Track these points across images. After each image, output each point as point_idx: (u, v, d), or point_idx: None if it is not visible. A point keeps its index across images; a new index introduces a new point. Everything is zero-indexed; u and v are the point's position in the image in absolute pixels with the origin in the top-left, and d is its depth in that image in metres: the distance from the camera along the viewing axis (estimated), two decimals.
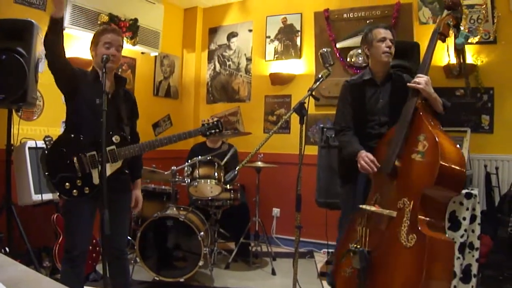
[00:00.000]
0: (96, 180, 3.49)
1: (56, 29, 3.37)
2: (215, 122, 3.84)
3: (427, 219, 3.26)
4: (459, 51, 3.91)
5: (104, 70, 3.40)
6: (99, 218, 3.32)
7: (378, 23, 4.47)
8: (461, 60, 4.14)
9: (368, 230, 3.41)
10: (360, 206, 3.51)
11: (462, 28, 3.81)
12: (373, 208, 3.39)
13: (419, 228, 3.16)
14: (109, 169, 3.50)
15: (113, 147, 3.54)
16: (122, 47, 3.75)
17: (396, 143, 3.47)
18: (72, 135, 3.57)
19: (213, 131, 3.81)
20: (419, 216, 3.21)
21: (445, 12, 3.82)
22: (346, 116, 3.93)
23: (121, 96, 3.75)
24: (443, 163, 3.21)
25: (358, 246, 3.38)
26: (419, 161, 3.34)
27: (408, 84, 3.60)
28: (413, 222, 3.21)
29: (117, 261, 3.81)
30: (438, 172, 3.19)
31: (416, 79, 3.57)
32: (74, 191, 3.47)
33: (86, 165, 3.50)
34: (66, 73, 3.53)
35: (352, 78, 4.24)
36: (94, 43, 3.71)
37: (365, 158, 3.61)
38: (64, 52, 3.50)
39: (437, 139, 3.29)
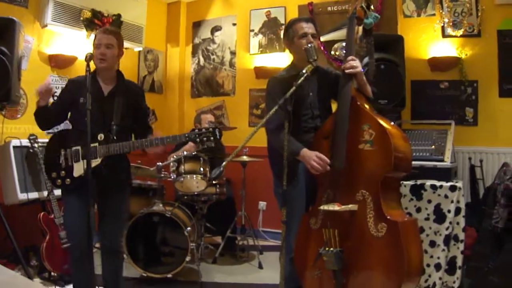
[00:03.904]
0: (76, 173, 3.68)
1: (44, 113, 3.79)
2: (210, 129, 3.54)
3: (388, 203, 3.29)
4: (368, 31, 3.85)
5: (87, 69, 3.45)
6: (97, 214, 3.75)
7: (300, 17, 4.40)
8: (369, 41, 4.06)
9: (337, 230, 3.36)
10: (321, 207, 3.43)
11: (372, 8, 3.77)
12: (336, 208, 3.32)
13: (386, 216, 3.18)
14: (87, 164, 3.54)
15: (95, 144, 3.61)
16: (115, 44, 3.77)
17: (341, 136, 3.41)
18: (64, 131, 3.96)
19: (205, 138, 3.53)
20: (382, 204, 3.22)
21: None
22: (279, 113, 3.35)
23: (120, 92, 3.79)
24: (396, 147, 3.24)
25: (331, 249, 3.33)
26: (369, 150, 3.32)
27: (345, 69, 3.52)
28: (378, 211, 3.22)
29: (111, 258, 3.92)
30: (393, 157, 3.21)
31: (352, 63, 3.50)
32: (58, 180, 3.74)
33: (70, 158, 3.71)
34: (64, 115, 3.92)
35: (280, 73, 4.01)
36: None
37: (315, 158, 3.45)
38: (54, 117, 3.90)
39: (384, 125, 3.30)
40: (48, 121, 3.89)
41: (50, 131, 4.29)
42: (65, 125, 4.12)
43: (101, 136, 3.63)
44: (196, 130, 3.58)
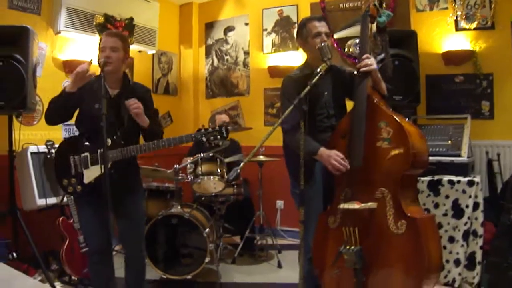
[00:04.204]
0: (86, 179, 3.66)
1: (67, 101, 3.64)
2: (217, 128, 3.59)
3: (406, 199, 3.29)
4: (382, 29, 3.83)
5: (101, 74, 3.44)
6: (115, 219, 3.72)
7: (313, 16, 4.35)
8: (384, 38, 4.03)
9: (357, 228, 3.35)
10: (341, 206, 3.42)
11: (384, 6, 3.75)
12: (356, 206, 3.32)
13: (406, 213, 3.18)
14: (97, 171, 3.59)
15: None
16: (120, 47, 3.73)
17: (359, 135, 3.40)
18: (73, 137, 3.91)
19: (212, 137, 3.58)
20: (401, 201, 3.22)
21: None
22: (294, 113, 3.35)
23: (126, 95, 3.75)
24: (414, 144, 3.24)
25: (352, 247, 3.33)
26: (387, 147, 3.32)
27: (360, 67, 3.52)
28: (398, 208, 3.22)
29: (133, 263, 3.94)
30: (411, 154, 3.21)
31: (366, 61, 3.50)
32: (70, 188, 3.71)
33: (79, 165, 3.68)
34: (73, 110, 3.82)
35: (294, 72, 3.98)
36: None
37: (336, 157, 3.43)
38: (69, 109, 3.78)
39: (401, 122, 3.30)
40: (63, 112, 3.75)
41: (66, 135, 4.28)
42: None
43: (108, 142, 3.58)
44: (202, 130, 3.60)
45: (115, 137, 3.66)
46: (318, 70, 3.39)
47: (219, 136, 3.56)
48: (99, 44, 3.76)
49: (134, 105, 3.57)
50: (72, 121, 3.90)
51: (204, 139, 3.56)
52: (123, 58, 3.77)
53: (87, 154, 3.66)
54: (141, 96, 3.86)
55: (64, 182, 3.72)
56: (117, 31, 4.33)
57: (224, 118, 6.64)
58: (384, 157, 3.32)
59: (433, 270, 3.17)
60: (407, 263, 3.14)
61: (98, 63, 3.55)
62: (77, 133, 3.91)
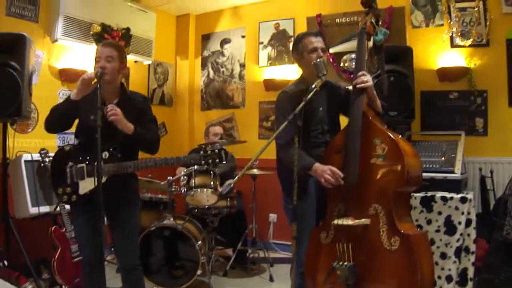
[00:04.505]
0: (82, 190, 3.64)
1: (69, 109, 3.66)
2: (216, 151, 3.54)
3: (400, 216, 3.29)
4: (378, 47, 3.85)
5: (97, 85, 3.44)
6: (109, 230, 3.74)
7: (309, 31, 4.35)
8: (380, 56, 4.05)
9: (350, 244, 3.35)
10: (334, 222, 3.40)
11: (380, 23, 3.78)
12: (350, 222, 3.31)
13: (399, 229, 3.18)
14: (92, 183, 3.54)
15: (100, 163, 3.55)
16: (116, 57, 3.69)
17: (354, 151, 3.40)
18: (72, 146, 3.83)
19: (210, 160, 3.55)
20: (394, 217, 3.22)
21: (366, 12, 3.75)
22: (289, 128, 3.33)
23: (123, 105, 3.70)
24: (409, 162, 3.24)
25: (345, 263, 3.32)
26: (382, 164, 3.33)
27: (357, 84, 3.52)
28: (391, 225, 3.22)
29: (129, 275, 3.88)
30: (406, 171, 3.21)
31: (362, 78, 3.51)
32: (65, 196, 3.70)
33: (75, 176, 3.66)
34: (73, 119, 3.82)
35: (289, 87, 3.96)
36: None
37: (329, 172, 3.43)
38: (70, 118, 3.79)
39: (395, 139, 3.31)
40: (64, 120, 3.76)
41: (60, 144, 4.27)
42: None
43: (105, 155, 3.59)
44: (202, 152, 3.55)
45: (112, 149, 3.63)
46: (313, 86, 3.39)
47: (217, 160, 3.53)
48: (95, 54, 3.74)
49: (110, 111, 3.50)
50: (69, 130, 3.93)
51: (202, 162, 3.53)
52: (119, 68, 3.74)
53: (83, 165, 3.64)
54: (139, 105, 3.85)
55: (59, 190, 3.70)
56: (112, 41, 4.33)
57: (218, 130, 6.64)
58: (378, 174, 3.34)
59: (425, 287, 3.17)
60: (400, 279, 3.13)
61: (95, 74, 3.53)
62: (71, 142, 3.90)
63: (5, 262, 4.73)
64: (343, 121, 3.74)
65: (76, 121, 3.81)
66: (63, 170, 3.70)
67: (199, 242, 5.11)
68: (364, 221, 3.30)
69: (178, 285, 5.09)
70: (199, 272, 5.05)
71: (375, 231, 3.26)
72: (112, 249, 4.69)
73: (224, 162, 3.60)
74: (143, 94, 4.08)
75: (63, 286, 4.95)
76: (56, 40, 5.98)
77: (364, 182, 3.37)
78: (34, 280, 4.76)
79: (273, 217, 7.42)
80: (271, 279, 5.88)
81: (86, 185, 3.61)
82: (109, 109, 3.49)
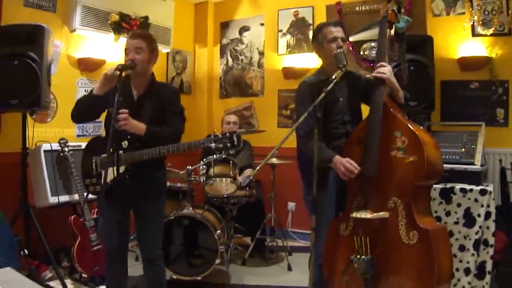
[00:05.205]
0: (104, 180, 3.60)
1: (94, 102, 3.69)
2: (227, 134, 3.43)
3: (419, 210, 3.27)
4: (400, 35, 3.79)
5: (121, 77, 3.47)
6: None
7: (329, 21, 4.28)
8: (402, 45, 3.99)
9: (369, 237, 3.34)
10: (353, 215, 3.39)
11: (402, 11, 3.72)
12: (368, 215, 3.30)
13: (418, 223, 3.16)
14: (112, 174, 3.58)
15: (120, 152, 3.62)
16: (145, 48, 3.69)
17: (374, 143, 3.37)
18: (101, 138, 4.02)
19: (221, 145, 3.42)
20: (413, 211, 3.20)
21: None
22: (309, 119, 3.27)
23: (149, 97, 3.75)
24: (429, 155, 3.21)
25: (363, 256, 3.32)
26: (402, 157, 3.29)
27: (373, 74, 3.51)
28: (410, 219, 3.20)
29: (151, 264, 3.90)
30: (426, 165, 3.18)
31: (380, 69, 3.48)
32: (91, 187, 3.86)
33: (99, 166, 3.77)
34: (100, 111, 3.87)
35: (309, 78, 3.96)
36: None
37: (347, 164, 3.42)
38: (97, 109, 3.82)
39: (416, 132, 3.27)
40: (90, 112, 3.80)
41: (79, 133, 4.29)
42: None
43: (125, 143, 3.62)
44: (212, 136, 3.48)
45: (130, 137, 3.63)
46: (333, 77, 3.37)
47: (229, 144, 3.42)
48: (125, 46, 3.76)
49: (119, 120, 3.47)
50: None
51: (212, 146, 3.44)
52: (149, 58, 3.74)
53: (105, 155, 3.63)
54: (165, 97, 3.84)
55: (87, 181, 3.86)
56: (141, 31, 4.31)
57: (230, 118, 6.59)
58: (398, 167, 3.30)
59: (443, 281, 3.15)
60: (418, 274, 3.12)
61: (125, 66, 3.54)
62: (90, 131, 3.94)
63: (26, 251, 4.78)
64: (366, 111, 3.67)
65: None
66: (91, 162, 3.81)
67: (218, 231, 5.14)
68: (383, 214, 3.28)
69: (196, 274, 5.12)
70: (217, 261, 5.07)
71: (394, 225, 3.24)
72: (132, 237, 4.70)
73: (237, 147, 3.45)
74: (174, 86, 4.06)
75: (82, 274, 5.00)
76: (74, 30, 5.97)
77: (383, 174, 3.35)
78: (53, 268, 4.82)
79: (291, 205, 7.41)
80: (289, 268, 5.89)
81: (108, 175, 3.60)
82: (119, 117, 3.47)
